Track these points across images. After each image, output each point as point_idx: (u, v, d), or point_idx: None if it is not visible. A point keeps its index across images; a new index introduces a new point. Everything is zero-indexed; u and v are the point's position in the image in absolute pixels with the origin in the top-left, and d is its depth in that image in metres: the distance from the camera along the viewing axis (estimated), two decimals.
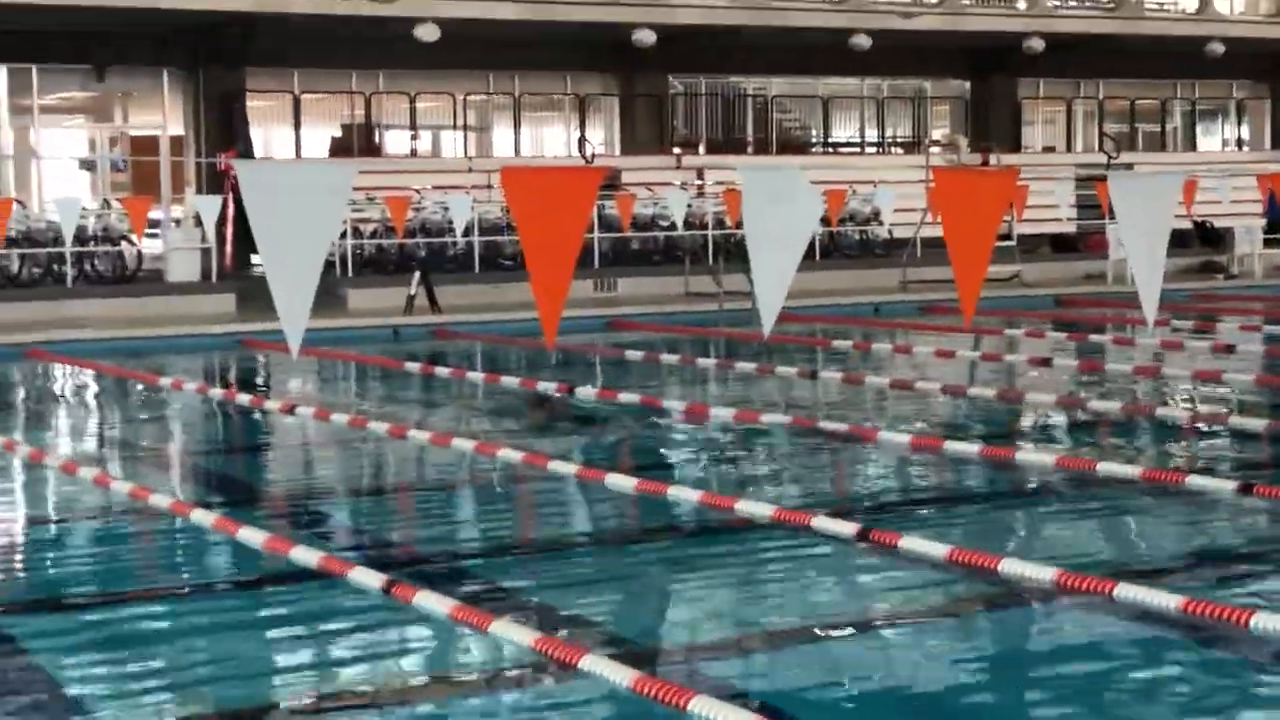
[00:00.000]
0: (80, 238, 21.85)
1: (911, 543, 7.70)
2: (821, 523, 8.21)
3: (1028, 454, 10.39)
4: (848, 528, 8.06)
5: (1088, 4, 33.21)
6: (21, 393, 16.32)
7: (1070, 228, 28.93)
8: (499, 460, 10.49)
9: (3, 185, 26.27)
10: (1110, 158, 30.76)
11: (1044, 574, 7.07)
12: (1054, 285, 24.96)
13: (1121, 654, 6.32)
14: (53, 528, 9.45)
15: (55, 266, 22.14)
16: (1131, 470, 9.56)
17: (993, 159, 28.89)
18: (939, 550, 7.58)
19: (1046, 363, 15.20)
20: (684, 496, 9.08)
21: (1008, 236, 24.82)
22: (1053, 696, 5.92)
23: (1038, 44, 31.00)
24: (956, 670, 6.22)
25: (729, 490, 9.48)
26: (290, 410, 12.90)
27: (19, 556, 8.68)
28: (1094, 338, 17.52)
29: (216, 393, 14.88)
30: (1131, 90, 35.15)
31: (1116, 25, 32.20)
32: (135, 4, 23.88)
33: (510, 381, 14.57)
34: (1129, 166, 29.58)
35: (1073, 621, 6.75)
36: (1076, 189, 26.53)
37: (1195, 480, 9.13)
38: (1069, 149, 34.42)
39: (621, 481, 9.49)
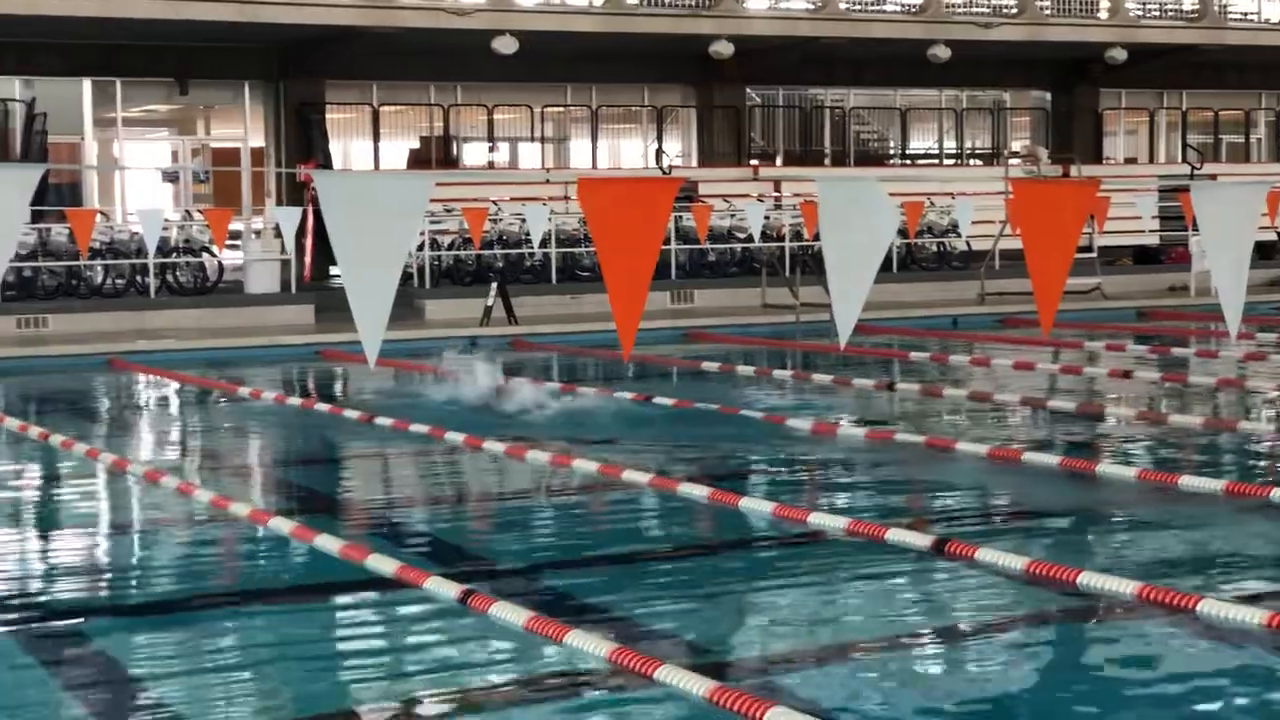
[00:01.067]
0: (162, 249, 22.07)
1: (989, 555, 7.63)
2: (897, 535, 8.16)
3: (1108, 467, 10.27)
4: (923, 540, 8.00)
5: (1170, 14, 32.86)
6: (104, 402, 16.51)
7: (1153, 239, 28.63)
8: (575, 470, 10.51)
9: (87, 197, 26.63)
10: (1194, 169, 30.41)
11: (1125, 588, 6.98)
12: (1136, 297, 24.68)
13: (1204, 671, 6.23)
14: (135, 535, 9.55)
15: (138, 277, 22.43)
16: (1214, 484, 9.43)
17: (1074, 170, 28.63)
18: (1017, 563, 7.51)
19: (1127, 375, 15.04)
20: (758, 508, 9.05)
21: (1088, 248, 24.58)
22: (1133, 713, 5.84)
23: (1120, 54, 30.70)
24: (1034, 685, 6.15)
25: (803, 502, 9.44)
26: (368, 420, 12.97)
27: (102, 562, 8.78)
28: (1176, 350, 17.31)
29: (295, 402, 14.99)
30: (1215, 100, 34.76)
31: (1200, 35, 31.83)
32: (218, 18, 24.16)
33: (588, 392, 14.59)
34: (1212, 177, 29.23)
35: (1154, 637, 6.65)
36: (1159, 200, 26.24)
37: None
38: (1151, 160, 34.07)
39: (696, 492, 9.48)
